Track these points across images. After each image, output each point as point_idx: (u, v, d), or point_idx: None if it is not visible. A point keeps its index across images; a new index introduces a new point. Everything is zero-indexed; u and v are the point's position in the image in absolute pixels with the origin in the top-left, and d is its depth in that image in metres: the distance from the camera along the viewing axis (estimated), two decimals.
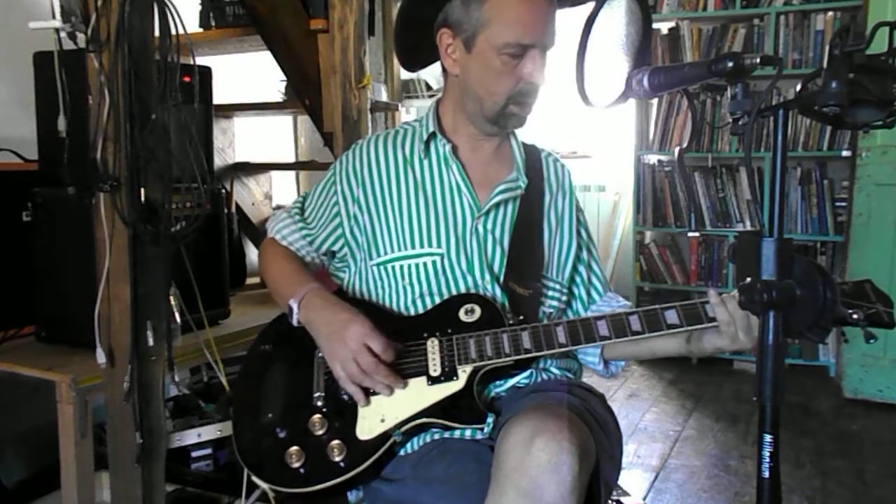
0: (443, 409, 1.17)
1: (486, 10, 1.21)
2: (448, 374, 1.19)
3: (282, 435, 1.21)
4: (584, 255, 1.42)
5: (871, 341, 0.92)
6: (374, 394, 1.19)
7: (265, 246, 1.45)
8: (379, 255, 1.31)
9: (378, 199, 1.33)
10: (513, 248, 1.30)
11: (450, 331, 1.22)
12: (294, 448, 1.18)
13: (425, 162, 1.34)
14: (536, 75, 1.23)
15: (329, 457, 1.16)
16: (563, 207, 1.39)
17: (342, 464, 1.16)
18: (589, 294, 1.42)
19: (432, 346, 1.22)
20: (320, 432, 1.19)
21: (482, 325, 1.22)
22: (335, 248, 1.39)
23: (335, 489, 1.17)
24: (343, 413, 1.19)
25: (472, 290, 1.27)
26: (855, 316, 0.92)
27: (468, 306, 1.24)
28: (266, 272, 1.41)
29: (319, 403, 1.21)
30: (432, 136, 1.34)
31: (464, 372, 1.19)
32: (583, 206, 1.46)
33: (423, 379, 1.20)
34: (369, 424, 1.18)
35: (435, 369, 1.20)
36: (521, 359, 1.19)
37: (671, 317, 1.15)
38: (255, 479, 1.20)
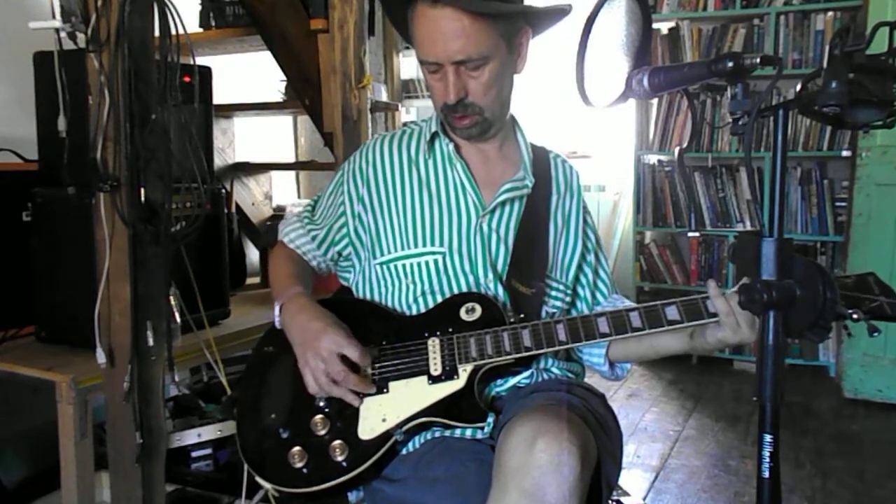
0: (444, 408, 1.17)
1: (412, 27, 1.24)
2: (449, 374, 1.19)
3: (285, 435, 1.21)
4: (591, 257, 1.42)
5: (875, 334, 0.92)
6: (377, 393, 1.20)
7: (275, 248, 1.47)
8: (382, 255, 1.32)
9: (382, 199, 1.33)
10: (517, 247, 1.30)
11: (451, 330, 1.22)
12: (297, 448, 1.18)
13: (429, 161, 1.34)
14: (445, 94, 1.22)
15: (331, 457, 1.17)
16: (570, 209, 1.39)
17: (344, 463, 1.16)
18: (594, 296, 1.42)
19: (433, 345, 1.22)
20: (322, 432, 1.19)
21: (483, 324, 1.22)
22: (340, 247, 1.39)
23: (337, 489, 1.17)
24: (345, 413, 1.20)
25: (474, 289, 1.27)
26: (855, 316, 0.92)
27: (469, 305, 1.24)
28: (269, 273, 1.45)
29: (322, 404, 1.22)
30: (435, 135, 1.34)
31: (464, 371, 1.19)
32: None
33: (424, 378, 1.20)
34: (371, 424, 1.18)
35: (436, 368, 1.20)
36: (521, 357, 1.19)
37: (672, 313, 1.15)
38: (258, 478, 1.20)
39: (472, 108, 1.25)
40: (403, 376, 1.21)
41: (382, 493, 1.19)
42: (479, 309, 1.23)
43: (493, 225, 1.31)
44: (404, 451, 1.21)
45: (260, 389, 1.28)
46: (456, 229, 1.29)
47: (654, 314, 1.16)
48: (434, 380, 1.19)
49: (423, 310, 1.28)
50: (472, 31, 1.17)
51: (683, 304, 1.15)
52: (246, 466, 1.23)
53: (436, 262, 1.28)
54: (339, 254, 1.41)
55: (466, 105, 1.24)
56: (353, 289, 1.40)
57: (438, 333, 1.23)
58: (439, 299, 1.27)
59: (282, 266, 1.41)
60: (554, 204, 1.37)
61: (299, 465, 1.17)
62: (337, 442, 1.17)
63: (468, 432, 1.19)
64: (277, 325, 1.28)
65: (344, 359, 1.17)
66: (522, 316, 1.23)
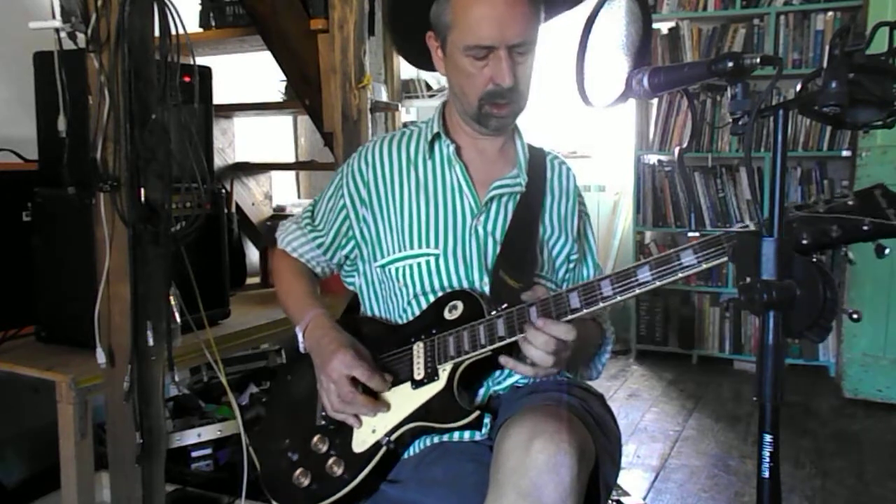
0: (427, 412, 1.16)
1: (450, 13, 1.22)
2: (430, 376, 1.19)
3: (294, 458, 1.23)
4: (585, 258, 1.41)
5: (886, 252, 0.87)
6: None
7: (276, 258, 1.46)
8: (382, 257, 1.31)
9: (382, 200, 1.33)
10: (508, 241, 1.29)
11: (434, 331, 1.22)
12: (300, 469, 1.21)
13: (429, 162, 1.34)
14: (500, 77, 1.20)
15: (331, 473, 1.18)
16: (565, 211, 1.38)
17: (345, 476, 1.18)
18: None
19: (417, 349, 1.22)
20: (322, 450, 1.21)
21: (465, 320, 1.20)
22: (346, 250, 1.38)
23: (344, 500, 1.18)
24: (341, 430, 1.22)
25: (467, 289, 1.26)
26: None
27: (451, 304, 1.23)
28: (278, 288, 1.44)
29: (323, 423, 1.24)
30: (437, 136, 1.34)
31: (444, 371, 1.18)
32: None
33: (408, 384, 1.20)
34: (362, 437, 1.19)
35: (419, 373, 1.20)
36: (498, 348, 1.15)
37: (644, 274, 1.06)
38: None
39: (514, 96, 1.24)
40: (392, 385, 1.21)
41: (383, 493, 1.19)
42: (460, 306, 1.22)
43: (489, 227, 1.30)
44: (406, 455, 1.21)
45: (276, 418, 1.33)
46: (451, 230, 1.29)
47: (626, 278, 1.07)
48: (417, 384, 1.19)
49: (417, 312, 1.28)
50: (529, 14, 1.19)
51: (657, 261, 1.07)
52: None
53: (428, 262, 1.27)
54: (346, 257, 1.40)
55: (512, 92, 1.23)
56: (358, 292, 1.40)
57: (423, 337, 1.23)
58: (433, 300, 1.26)
59: (292, 283, 1.39)
60: (548, 205, 1.36)
61: (306, 484, 1.19)
62: (334, 458, 1.19)
63: (466, 435, 1.18)
64: (302, 349, 1.28)
65: (356, 381, 1.18)
66: (505, 306, 1.18)
